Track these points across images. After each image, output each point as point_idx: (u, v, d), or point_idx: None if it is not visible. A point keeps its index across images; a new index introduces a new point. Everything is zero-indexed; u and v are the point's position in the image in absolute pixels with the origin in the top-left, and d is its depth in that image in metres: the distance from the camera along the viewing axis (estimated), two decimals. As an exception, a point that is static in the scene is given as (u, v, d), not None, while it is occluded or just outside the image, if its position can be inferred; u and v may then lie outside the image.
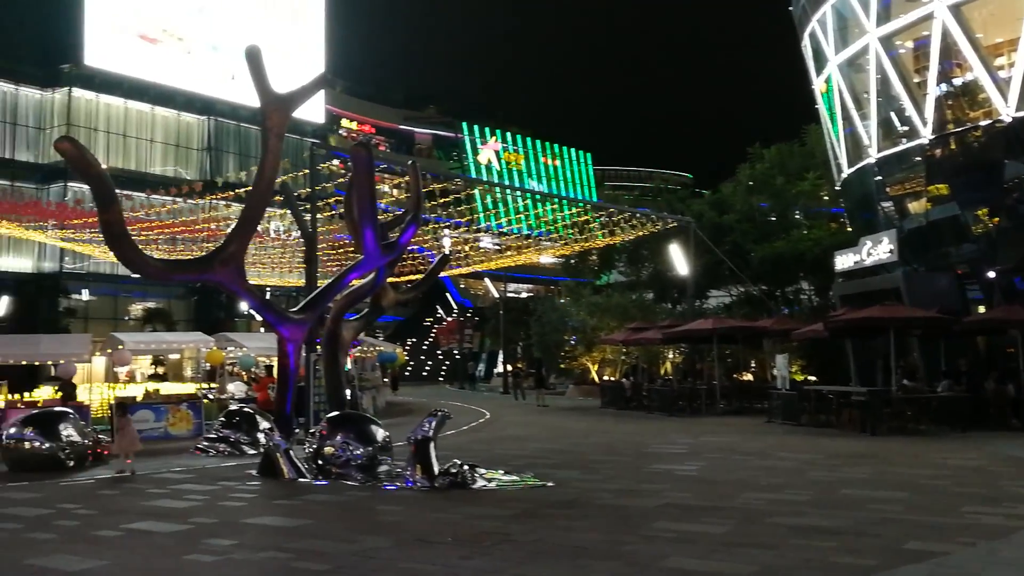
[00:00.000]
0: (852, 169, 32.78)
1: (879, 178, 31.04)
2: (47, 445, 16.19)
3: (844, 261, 31.77)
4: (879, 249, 29.52)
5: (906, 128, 29.57)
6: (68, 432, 16.60)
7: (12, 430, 16.55)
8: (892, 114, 30.63)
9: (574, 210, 41.41)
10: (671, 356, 41.06)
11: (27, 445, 16.15)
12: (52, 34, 49.06)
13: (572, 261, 52.05)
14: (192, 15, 54.65)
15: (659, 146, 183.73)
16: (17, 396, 24.07)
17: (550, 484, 13.68)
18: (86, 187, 41.34)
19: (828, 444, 19.78)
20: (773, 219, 42.61)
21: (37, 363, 25.47)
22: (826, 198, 43.88)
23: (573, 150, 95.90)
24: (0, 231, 41.00)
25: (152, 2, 53.02)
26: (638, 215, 38.12)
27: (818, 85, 34.93)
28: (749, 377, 38.46)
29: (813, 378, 34.11)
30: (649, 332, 34.26)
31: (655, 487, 13.44)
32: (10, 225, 38.24)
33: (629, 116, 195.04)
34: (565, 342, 46.52)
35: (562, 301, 53.26)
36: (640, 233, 38.92)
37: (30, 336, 27.06)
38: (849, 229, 36.99)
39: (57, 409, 18.10)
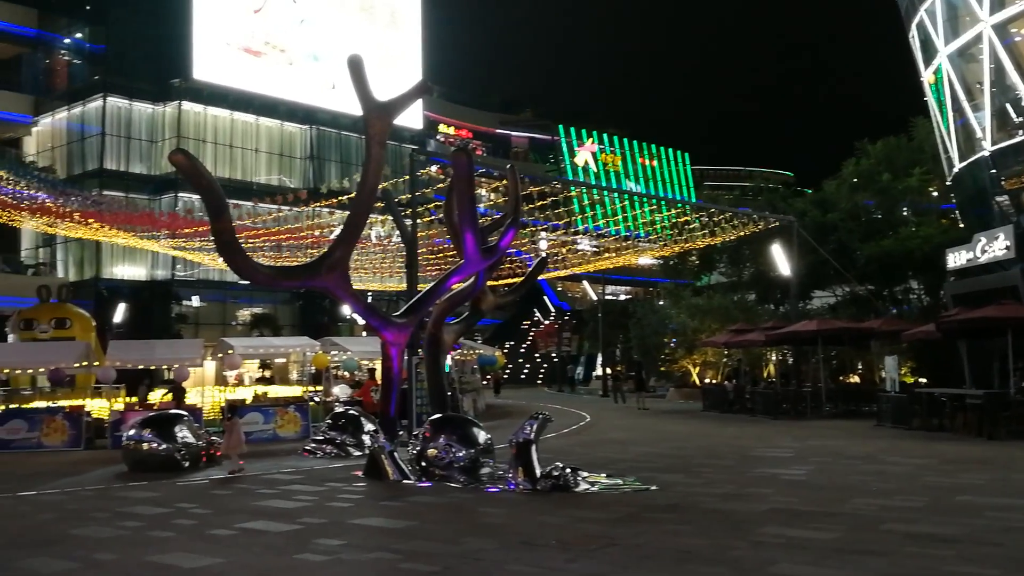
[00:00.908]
0: (964, 163, 31.59)
1: (994, 171, 29.83)
2: (164, 446, 16.79)
3: (956, 259, 30.63)
4: (994, 246, 28.37)
5: (1023, 119, 28.39)
6: (183, 434, 17.19)
7: (131, 432, 17.23)
8: (1007, 105, 29.41)
9: (673, 211, 40.96)
10: (774, 358, 40.25)
11: (145, 446, 16.79)
12: (163, 51, 50.92)
13: (672, 262, 51.49)
14: (294, 27, 56.06)
15: (759, 144, 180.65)
16: (134, 399, 25.05)
17: (653, 488, 13.57)
18: (196, 197, 42.99)
19: (942, 449, 19.12)
20: (879, 217, 41.39)
21: (153, 367, 26.43)
22: (935, 194, 42.40)
23: (671, 150, 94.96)
24: (116, 241, 42.75)
25: (256, 17, 54.59)
26: (739, 215, 37.51)
27: (927, 77, 33.78)
28: (856, 379, 37.42)
29: (924, 380, 33.03)
30: (751, 334, 33.67)
31: (761, 491, 13.20)
32: (125, 235, 39.85)
33: (728, 114, 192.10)
34: (665, 345, 46.07)
35: (661, 303, 52.75)
36: (741, 233, 38.27)
37: (146, 341, 28.09)
38: (961, 225, 35.66)
39: (173, 412, 18.77)
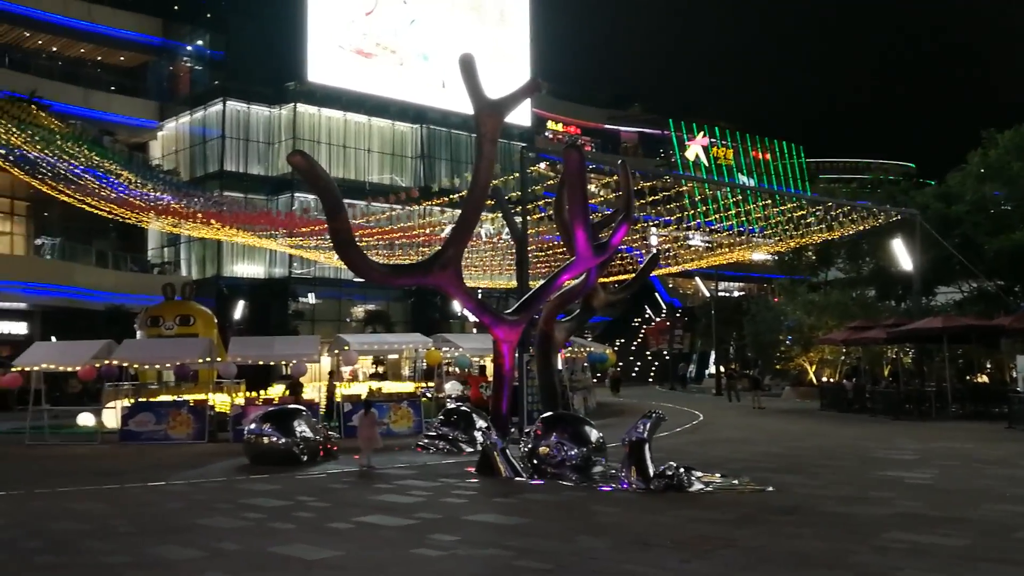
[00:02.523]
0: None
1: None
2: (283, 440, 17.23)
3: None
4: None
5: None
6: (302, 428, 17.61)
7: (252, 426, 17.75)
8: None
9: (788, 205, 39.97)
10: (896, 356, 38.88)
11: (266, 440, 17.26)
12: (279, 55, 52.43)
13: (787, 258, 50.29)
14: (404, 28, 56.96)
15: (877, 135, 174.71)
16: (253, 394, 25.86)
17: (769, 489, 13.26)
18: (311, 197, 44.09)
19: (1080, 453, 18.13)
20: (1009, 209, 39.49)
21: (272, 363, 27.19)
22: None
23: (784, 142, 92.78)
24: (236, 240, 44.22)
25: (367, 19, 55.65)
26: (857, 208, 36.33)
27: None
28: (984, 379, 35.83)
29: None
30: (872, 331, 32.57)
31: (883, 495, 12.74)
32: (245, 234, 41.18)
33: (844, 104, 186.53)
34: (780, 342, 45.02)
35: (776, 300, 51.55)
36: (860, 227, 37.08)
37: (265, 338, 28.91)
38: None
39: (292, 407, 19.24)
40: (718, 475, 14.37)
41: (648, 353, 68.73)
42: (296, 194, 50.39)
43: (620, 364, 61.26)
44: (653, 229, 47.00)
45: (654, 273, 52.41)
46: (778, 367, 46.39)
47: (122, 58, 57.19)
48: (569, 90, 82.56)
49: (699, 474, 14.03)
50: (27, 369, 23.58)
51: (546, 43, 68.05)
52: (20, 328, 44.04)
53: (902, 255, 35.94)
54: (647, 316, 73.31)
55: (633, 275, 25.72)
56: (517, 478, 14.64)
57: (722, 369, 49.79)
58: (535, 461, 14.75)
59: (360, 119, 55.85)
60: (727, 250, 45.11)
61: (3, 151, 35.64)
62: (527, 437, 15.49)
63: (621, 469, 13.86)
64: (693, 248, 47.29)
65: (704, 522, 10.77)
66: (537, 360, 19.07)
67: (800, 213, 38.41)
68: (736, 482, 13.81)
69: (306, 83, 53.09)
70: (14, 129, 36.10)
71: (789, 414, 32.30)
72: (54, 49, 54.73)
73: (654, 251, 28.61)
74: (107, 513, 11.98)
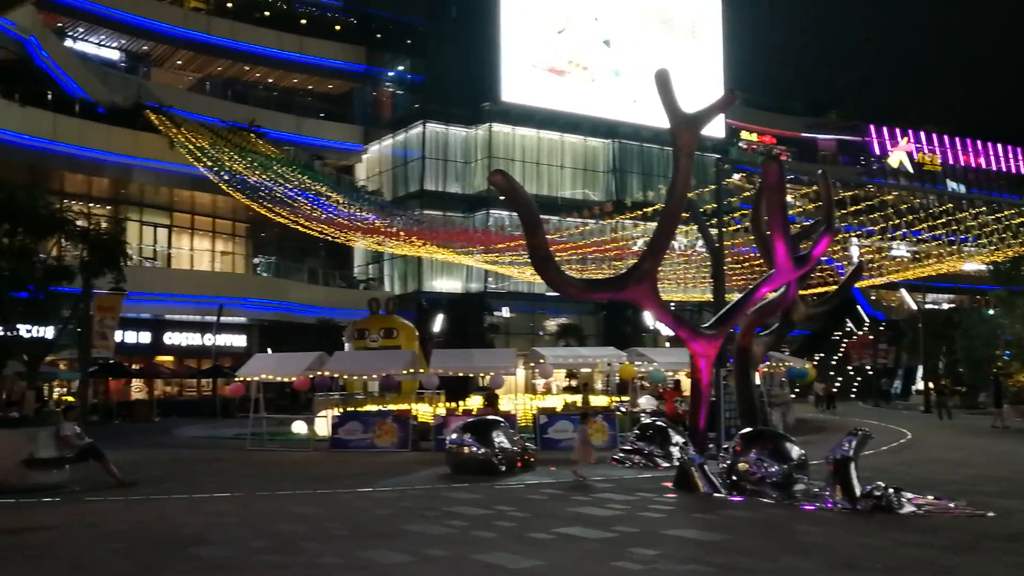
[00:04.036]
0: None
1: None
2: (483, 451, 17.69)
3: None
4: None
5: None
6: (500, 439, 18.02)
7: (453, 436, 18.34)
8: None
9: (1007, 212, 37.45)
10: None
11: (466, 450, 17.78)
12: (475, 77, 54.04)
13: (1004, 267, 47.11)
14: (596, 45, 57.42)
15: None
16: (453, 404, 26.67)
17: (990, 514, 12.48)
18: (507, 214, 45.10)
19: None
20: None
21: (470, 375, 27.97)
22: None
23: (999, 145, 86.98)
24: (435, 256, 45.83)
25: (559, 37, 56.47)
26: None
27: None
28: None
29: None
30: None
31: (1122, 525, 11.75)
32: (444, 251, 42.62)
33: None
34: (997, 357, 42.16)
35: (992, 312, 48.31)
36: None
37: (464, 350, 29.75)
38: None
39: (491, 418, 19.74)
40: (930, 496, 13.67)
41: (850, 368, 65.92)
42: (492, 211, 51.70)
43: (819, 379, 59.10)
44: (854, 240, 45.15)
45: (856, 285, 50.40)
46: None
47: (330, 86, 60.63)
48: (763, 99, 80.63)
49: (910, 495, 13.37)
50: (248, 379, 25.33)
51: (739, 52, 66.75)
52: (240, 341, 47.34)
53: None
54: (848, 330, 70.35)
55: (834, 288, 24.84)
56: (716, 494, 14.44)
57: (931, 385, 47.11)
58: (734, 477, 14.50)
59: (553, 136, 56.66)
60: (935, 260, 42.72)
61: (226, 177, 38.54)
62: (725, 453, 15.24)
63: (825, 488, 13.42)
64: (898, 259, 45.04)
65: (916, 546, 10.28)
66: (735, 375, 18.75)
67: (1020, 220, 35.91)
68: (952, 505, 13.09)
69: (501, 103, 54.40)
70: (236, 156, 38.99)
71: (1012, 434, 30.17)
72: (270, 80, 58.74)
73: (856, 262, 27.53)
74: (322, 516, 12.70)
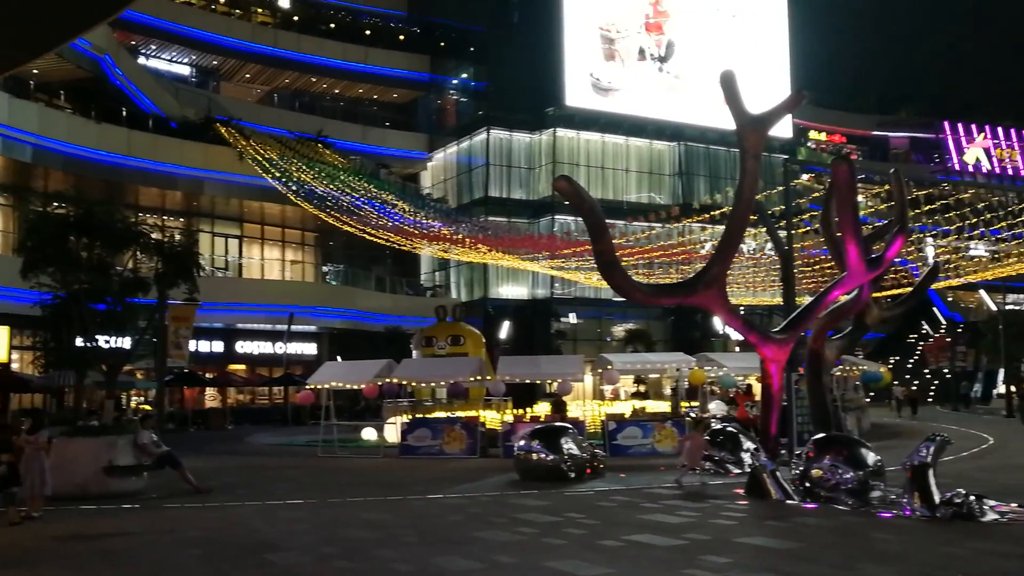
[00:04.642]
0: None
1: None
2: (551, 457, 17.66)
3: None
4: None
5: None
6: (568, 446, 17.97)
7: (521, 442, 18.35)
8: None
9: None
10: None
11: (534, 456, 17.76)
12: (538, 83, 54.07)
13: (1091, 267, 45.62)
14: (661, 48, 57.09)
15: None
16: (520, 411, 26.68)
17: (1078, 522, 12.06)
18: (572, 219, 45.03)
19: None
20: None
21: (537, 381, 27.95)
22: None
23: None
24: (501, 263, 45.95)
25: (623, 40, 56.27)
26: None
27: None
28: None
29: None
30: None
31: None
32: (509, 257, 42.71)
33: None
34: (1082, 360, 40.80)
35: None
36: None
37: (531, 357, 29.76)
38: None
39: (559, 424, 19.71)
40: (1014, 504, 13.24)
41: (927, 371, 64.32)
42: (557, 216, 51.63)
43: (895, 382, 57.78)
44: (929, 240, 44.12)
45: (932, 287, 49.19)
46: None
47: (395, 95, 61.24)
48: (832, 98, 79.20)
49: (992, 503, 12.98)
50: (318, 387, 25.67)
51: (806, 51, 65.74)
52: (310, 349, 48.02)
53: None
54: (924, 332, 68.68)
55: (909, 289, 24.26)
56: (788, 501, 14.20)
57: (1013, 389, 45.70)
58: (807, 484, 14.24)
59: (617, 140, 56.44)
60: (1016, 260, 41.48)
61: (295, 187, 39.15)
62: (798, 459, 14.99)
63: (902, 495, 13.11)
64: (976, 259, 43.84)
65: (999, 556, 9.98)
66: (807, 379, 18.41)
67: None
68: (1037, 513, 12.67)
69: (565, 107, 54.35)
70: (303, 167, 39.60)
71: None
72: (336, 91, 59.57)
73: (932, 263, 26.88)
74: (393, 523, 12.80)
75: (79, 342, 23.42)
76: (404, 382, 25.91)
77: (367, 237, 40.46)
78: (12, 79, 32.97)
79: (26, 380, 28.60)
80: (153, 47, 52.02)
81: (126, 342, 24.09)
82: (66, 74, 39.16)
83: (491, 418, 25.54)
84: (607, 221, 13.86)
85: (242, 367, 46.05)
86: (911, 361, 66.46)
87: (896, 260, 35.90)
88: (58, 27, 7.18)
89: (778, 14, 63.16)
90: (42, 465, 13.87)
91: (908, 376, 63.82)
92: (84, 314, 22.18)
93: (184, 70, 54.73)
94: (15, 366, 34.42)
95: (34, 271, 22.03)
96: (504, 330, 47.08)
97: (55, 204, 26.22)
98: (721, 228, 18.49)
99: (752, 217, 23.53)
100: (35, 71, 36.58)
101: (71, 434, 16.79)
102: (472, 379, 24.87)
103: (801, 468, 14.51)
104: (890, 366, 54.52)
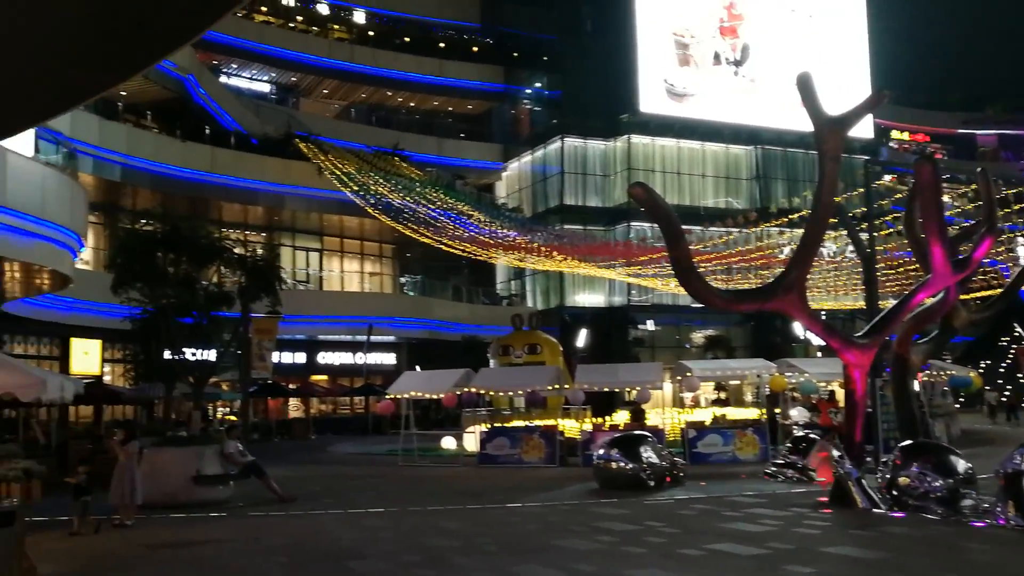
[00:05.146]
0: None
1: None
2: (630, 466, 17.57)
3: None
4: None
5: None
6: (648, 454, 17.86)
7: (600, 451, 18.30)
8: None
9: None
10: None
11: (614, 465, 17.69)
12: (612, 90, 53.85)
13: None
14: (736, 51, 56.48)
15: None
16: (599, 420, 26.56)
17: None
18: (648, 225, 44.79)
19: None
20: None
21: (616, 389, 27.81)
22: None
23: None
24: (577, 271, 45.90)
25: (697, 44, 55.80)
26: None
27: None
28: None
29: None
30: None
31: None
32: (585, 265, 42.64)
33: None
34: None
35: None
36: None
37: (609, 365, 29.61)
38: None
39: (638, 433, 19.59)
40: (1116, 514, 12.72)
41: (1020, 376, 62.20)
42: (633, 223, 51.33)
43: (986, 387, 56.02)
44: (1021, 240, 42.68)
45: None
46: None
47: (469, 106, 61.70)
48: (915, 96, 77.20)
49: (1094, 512, 12.50)
50: (398, 397, 25.95)
51: (886, 48, 64.24)
52: (390, 359, 48.60)
53: None
54: (1017, 335, 66.42)
55: (999, 291, 23.54)
56: (875, 510, 13.87)
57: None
58: (894, 492, 13.88)
59: (693, 145, 55.94)
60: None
61: (372, 200, 39.72)
62: (884, 467, 14.63)
63: (996, 504, 12.70)
64: (1072, 258, 42.17)
65: (1101, 566, 9.61)
66: (892, 385, 18.00)
67: None
68: None
69: (639, 114, 54.08)
70: (380, 180, 40.17)
71: None
72: (411, 104, 60.29)
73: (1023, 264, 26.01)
74: (472, 532, 12.87)
75: (167, 355, 24.14)
76: (482, 391, 26.02)
77: (444, 248, 40.83)
78: (101, 101, 34.16)
79: (118, 392, 29.50)
80: (234, 66, 53.33)
81: (212, 354, 24.72)
82: (152, 95, 40.43)
83: (570, 427, 25.48)
84: (684, 227, 13.77)
85: (324, 378, 46.81)
86: (1003, 365, 64.38)
87: (985, 261, 34.88)
88: (145, 50, 7.41)
89: (857, 12, 61.92)
90: (133, 475, 14.31)
91: (1000, 381, 61.83)
92: (171, 328, 22.88)
93: (264, 87, 56.00)
94: (107, 379, 35.56)
95: (124, 287, 22.81)
96: (581, 338, 46.93)
97: (143, 221, 27.09)
98: (800, 232, 18.19)
99: (832, 220, 23.15)
100: (123, 93, 37.82)
101: (161, 444, 17.32)
102: (550, 388, 24.85)
103: (888, 476, 14.17)
104: (981, 370, 52.93)
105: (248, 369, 32.16)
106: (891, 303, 18.26)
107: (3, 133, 11.06)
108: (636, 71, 53.86)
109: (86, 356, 35.80)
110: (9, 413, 25.14)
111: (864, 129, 57.24)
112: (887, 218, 32.37)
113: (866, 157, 48.53)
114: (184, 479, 16.44)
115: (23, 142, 20.06)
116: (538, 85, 60.43)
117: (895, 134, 75.41)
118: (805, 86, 13.66)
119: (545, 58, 58.58)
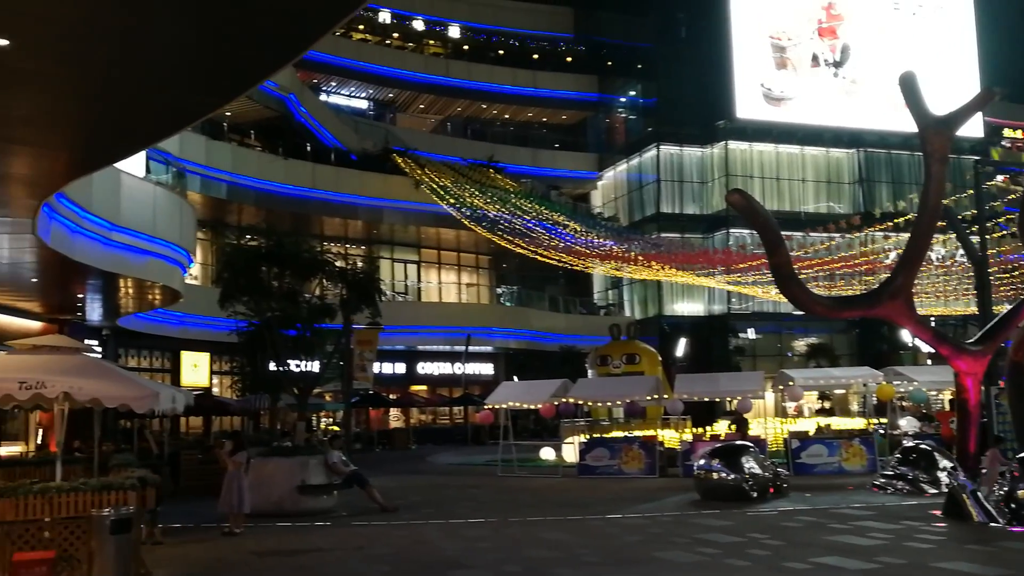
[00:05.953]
0: None
1: None
2: (732, 476, 17.28)
3: None
4: None
5: None
6: (750, 465, 17.54)
7: (701, 461, 18.04)
8: None
9: None
10: None
11: (715, 476, 17.43)
12: (707, 97, 53.24)
13: None
14: (835, 53, 55.23)
15: None
16: (700, 430, 26.20)
17: None
18: (747, 232, 44.08)
19: None
20: None
21: (716, 399, 27.41)
22: None
23: None
24: (675, 279, 45.43)
25: (795, 47, 54.73)
26: None
27: None
28: None
29: None
30: None
31: None
32: (683, 273, 42.18)
33: None
34: None
35: None
36: None
37: (710, 374, 29.18)
38: None
39: (739, 443, 19.27)
40: None
41: None
42: (731, 230, 50.61)
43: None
44: None
45: None
46: None
47: (564, 117, 61.80)
48: (1028, 93, 74.20)
49: None
50: (496, 407, 26.07)
51: (996, 44, 61.85)
52: (487, 369, 48.92)
53: None
54: None
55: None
56: (992, 524, 13.33)
57: None
58: (1013, 505, 13.32)
59: (792, 150, 54.88)
60: None
61: (468, 212, 40.09)
62: (1003, 479, 14.06)
63: (1123, 518, 12.07)
64: None
65: None
66: (1008, 393, 17.24)
67: None
68: None
69: (736, 120, 53.31)
70: (476, 192, 40.52)
71: None
72: (506, 116, 60.71)
73: None
74: (573, 543, 12.82)
75: (272, 366, 24.75)
76: (580, 401, 25.94)
77: (540, 258, 40.92)
78: (207, 122, 35.33)
79: (225, 403, 30.41)
80: (333, 84, 54.55)
81: (315, 366, 25.23)
82: (255, 114, 41.65)
83: (669, 437, 25.20)
84: (784, 233, 13.52)
85: (423, 388, 47.38)
86: None
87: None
88: (249, 72, 7.67)
89: (964, 7, 59.78)
90: (241, 484, 14.72)
91: None
92: (276, 340, 23.43)
93: (362, 104, 57.10)
94: (215, 390, 36.72)
95: (230, 301, 23.48)
96: (680, 347, 46.44)
97: (248, 237, 27.86)
98: (906, 236, 17.65)
99: (941, 223, 22.38)
100: (227, 113, 39.04)
101: (267, 455, 17.75)
102: (649, 398, 24.61)
103: (1006, 488, 13.60)
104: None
105: (350, 380, 32.75)
106: (1005, 308, 17.56)
107: (120, 154, 11.55)
108: (732, 76, 53.11)
109: (195, 368, 37.02)
110: (124, 424, 26.20)
111: (974, 128, 55.23)
112: (1000, 220, 31.16)
113: (976, 157, 46.82)
114: (289, 489, 16.80)
115: (135, 163, 20.79)
116: (632, 93, 60.11)
117: (1007, 132, 72.46)
118: (909, 85, 13.27)
119: (639, 66, 58.24)
